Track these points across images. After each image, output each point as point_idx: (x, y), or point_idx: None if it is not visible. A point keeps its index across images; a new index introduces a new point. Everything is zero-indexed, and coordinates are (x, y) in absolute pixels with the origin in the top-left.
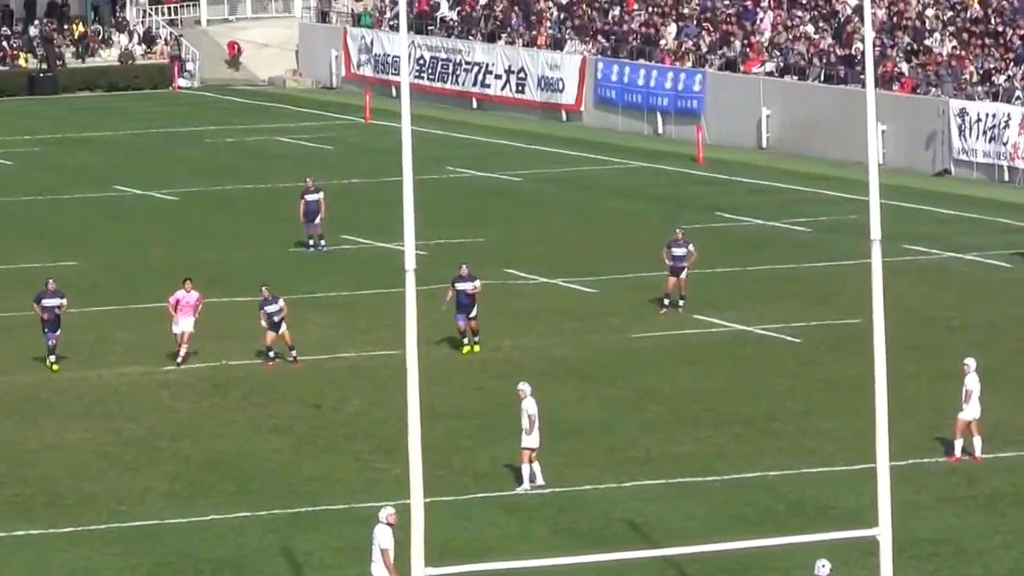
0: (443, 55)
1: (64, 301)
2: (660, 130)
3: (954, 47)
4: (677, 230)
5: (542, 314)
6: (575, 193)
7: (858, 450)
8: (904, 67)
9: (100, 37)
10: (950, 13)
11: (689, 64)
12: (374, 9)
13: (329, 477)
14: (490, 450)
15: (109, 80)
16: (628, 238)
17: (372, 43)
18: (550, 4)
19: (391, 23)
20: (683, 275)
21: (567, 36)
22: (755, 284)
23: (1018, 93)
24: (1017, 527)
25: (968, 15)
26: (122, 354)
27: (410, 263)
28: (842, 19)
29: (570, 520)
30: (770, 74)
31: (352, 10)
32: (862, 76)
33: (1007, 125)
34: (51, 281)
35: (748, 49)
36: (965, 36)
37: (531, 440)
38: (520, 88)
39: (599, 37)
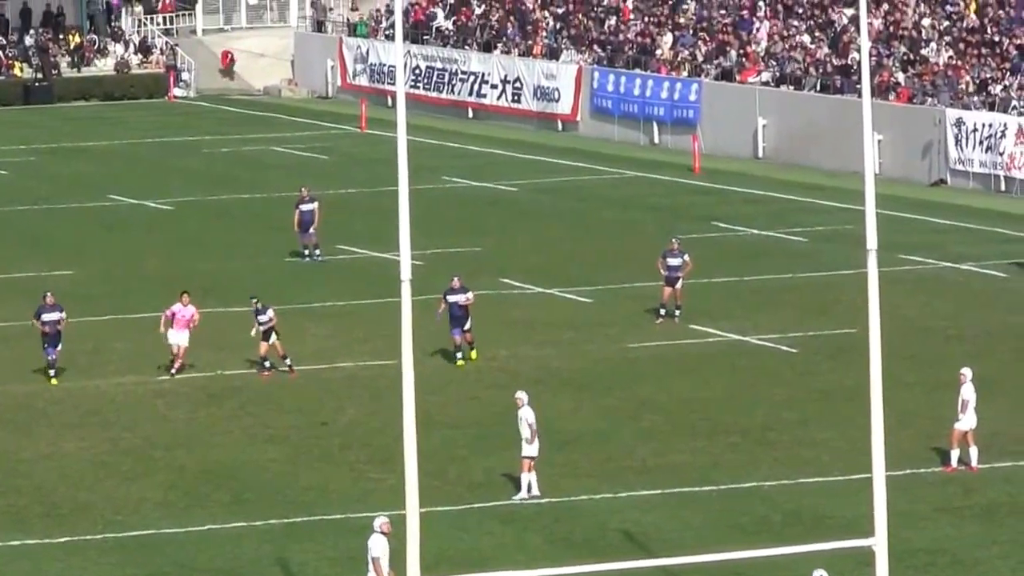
0: (439, 65)
1: (63, 315)
2: (656, 140)
3: (950, 57)
4: (673, 240)
5: (538, 324)
6: (571, 203)
7: (854, 460)
8: (900, 77)
9: (96, 46)
10: (946, 23)
11: (685, 74)
12: (370, 19)
13: (325, 487)
14: (485, 460)
15: (105, 90)
16: (624, 248)
17: (368, 53)
18: (546, 14)
19: (387, 33)
20: (679, 285)
21: (563, 46)
22: (751, 294)
23: (1014, 103)
24: (1014, 537)
25: (964, 25)
26: (118, 364)
27: (406, 273)
28: (838, 29)
29: (566, 530)
30: (766, 84)
31: (348, 20)
32: (858, 86)
33: (1003, 135)
34: (48, 295)
35: (744, 59)
36: (961, 46)
37: (532, 449)
38: (516, 98)
39: (595, 47)
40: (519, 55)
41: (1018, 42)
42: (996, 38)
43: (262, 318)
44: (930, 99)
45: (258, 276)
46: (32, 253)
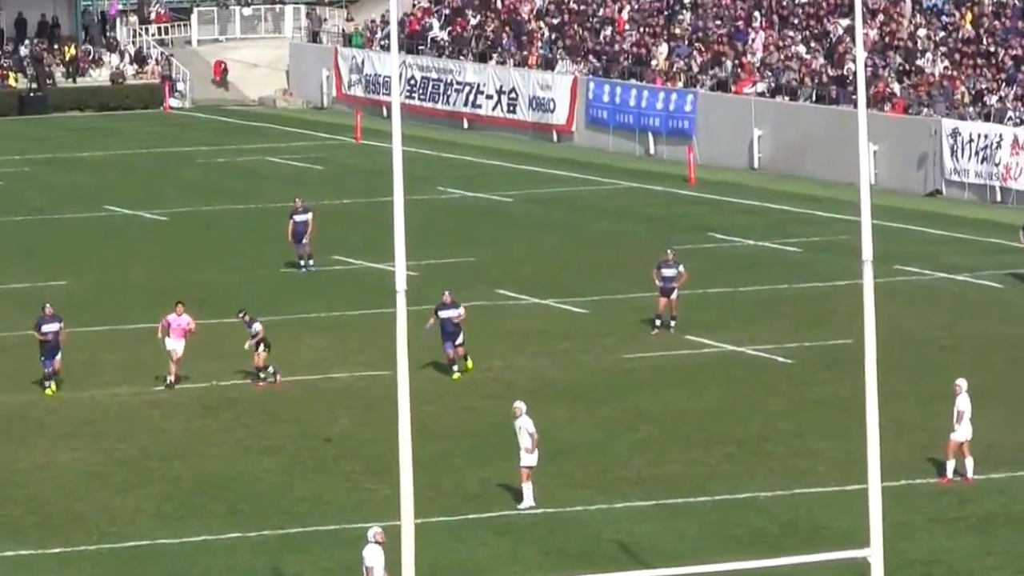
0: (434, 75)
1: (63, 326)
2: (651, 150)
3: (946, 67)
4: (668, 251)
5: (533, 335)
6: (566, 213)
7: (850, 471)
8: (896, 87)
9: (91, 57)
10: (942, 33)
11: (681, 84)
12: (365, 29)
13: (320, 498)
14: (480, 470)
15: (100, 100)
16: (619, 258)
17: (363, 63)
18: (541, 24)
19: (382, 43)
20: (674, 296)
21: (558, 56)
22: (747, 305)
23: (1010, 113)
24: (1009, 548)
25: (960, 36)
26: (112, 374)
27: (401, 284)
28: (834, 39)
29: (561, 541)
30: (762, 94)
31: (343, 30)
32: (854, 96)
33: (999, 145)
34: (48, 306)
35: (740, 69)
36: (957, 56)
37: (531, 459)
38: (511, 108)
39: (590, 57)
40: (514, 66)
41: (1014, 53)
42: (992, 49)
43: (254, 328)
44: (926, 110)
45: (253, 287)
46: (27, 263)
